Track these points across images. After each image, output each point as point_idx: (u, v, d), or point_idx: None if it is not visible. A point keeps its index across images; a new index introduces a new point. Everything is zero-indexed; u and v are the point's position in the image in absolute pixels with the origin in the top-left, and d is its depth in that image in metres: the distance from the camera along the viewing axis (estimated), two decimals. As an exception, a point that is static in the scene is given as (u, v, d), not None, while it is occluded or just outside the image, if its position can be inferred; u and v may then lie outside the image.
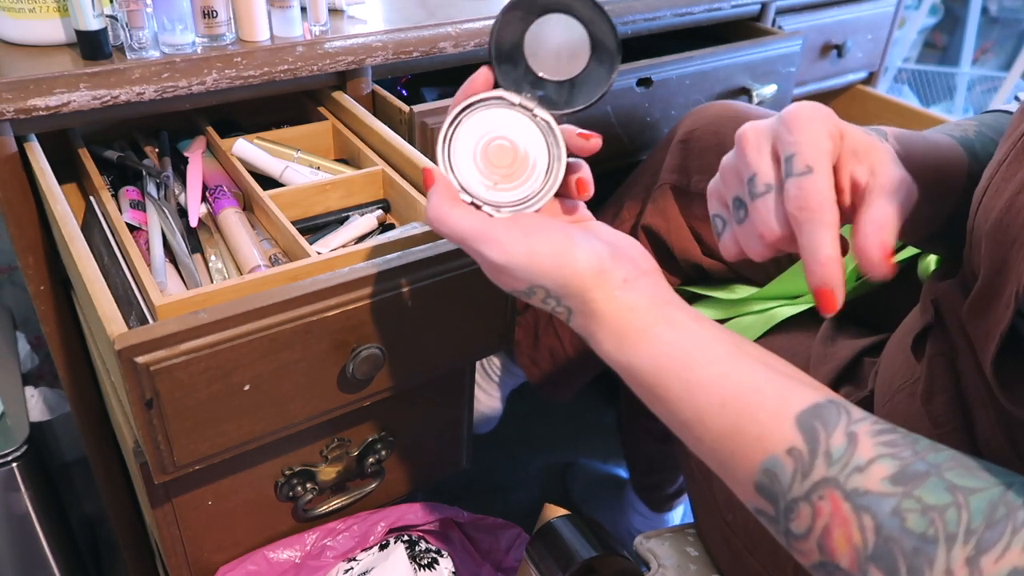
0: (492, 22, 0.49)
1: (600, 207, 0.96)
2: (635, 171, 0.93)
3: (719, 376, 0.40)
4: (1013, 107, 0.61)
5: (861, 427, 0.36)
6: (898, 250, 0.69)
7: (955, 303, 0.51)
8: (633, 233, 0.87)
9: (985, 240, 0.43)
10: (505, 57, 0.49)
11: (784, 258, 0.79)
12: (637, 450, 1.21)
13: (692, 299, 0.83)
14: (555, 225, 0.45)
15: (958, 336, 0.51)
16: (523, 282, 0.44)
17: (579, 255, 0.43)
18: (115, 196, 0.73)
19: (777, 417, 0.37)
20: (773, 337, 0.73)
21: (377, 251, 0.63)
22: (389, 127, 0.77)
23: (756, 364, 0.40)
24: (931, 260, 0.64)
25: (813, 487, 0.35)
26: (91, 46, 0.70)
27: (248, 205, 0.75)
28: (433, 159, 0.81)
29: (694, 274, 0.86)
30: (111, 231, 0.67)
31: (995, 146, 0.57)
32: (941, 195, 0.54)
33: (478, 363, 1.13)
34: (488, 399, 1.18)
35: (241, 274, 0.65)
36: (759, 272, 0.79)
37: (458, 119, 0.48)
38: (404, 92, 1.01)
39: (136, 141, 0.83)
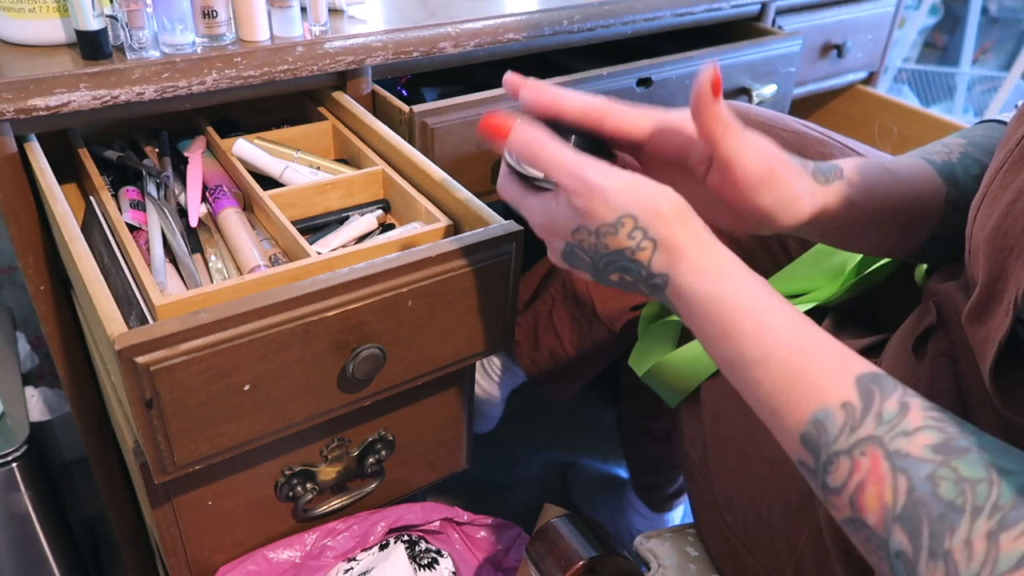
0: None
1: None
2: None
3: (792, 325, 0.41)
4: (1008, 116, 0.61)
5: (914, 400, 0.37)
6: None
7: (957, 305, 0.51)
8: None
9: (983, 247, 0.43)
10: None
11: (782, 257, 0.79)
12: (637, 450, 1.21)
13: None
14: (630, 172, 0.47)
15: (960, 337, 0.51)
16: (615, 210, 0.45)
17: (665, 193, 0.45)
18: (115, 196, 0.73)
19: (838, 373, 0.39)
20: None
21: (377, 251, 0.63)
22: (389, 127, 0.77)
23: (818, 328, 0.42)
24: (922, 271, 0.65)
25: (858, 442, 0.36)
26: (91, 46, 0.70)
27: (248, 205, 0.75)
28: (431, 157, 0.81)
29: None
30: (111, 231, 0.67)
31: (979, 168, 0.59)
32: (909, 225, 0.56)
33: (478, 363, 1.13)
34: (488, 399, 1.18)
35: (241, 274, 0.65)
36: (757, 271, 0.79)
37: None
38: (404, 92, 1.01)
39: (136, 141, 0.83)
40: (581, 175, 0.45)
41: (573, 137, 0.50)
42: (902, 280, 0.68)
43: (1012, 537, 0.32)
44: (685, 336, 0.79)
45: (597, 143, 0.51)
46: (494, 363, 1.15)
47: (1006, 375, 0.44)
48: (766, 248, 0.80)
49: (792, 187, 0.51)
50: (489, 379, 1.17)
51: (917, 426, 0.36)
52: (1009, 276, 0.41)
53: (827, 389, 0.38)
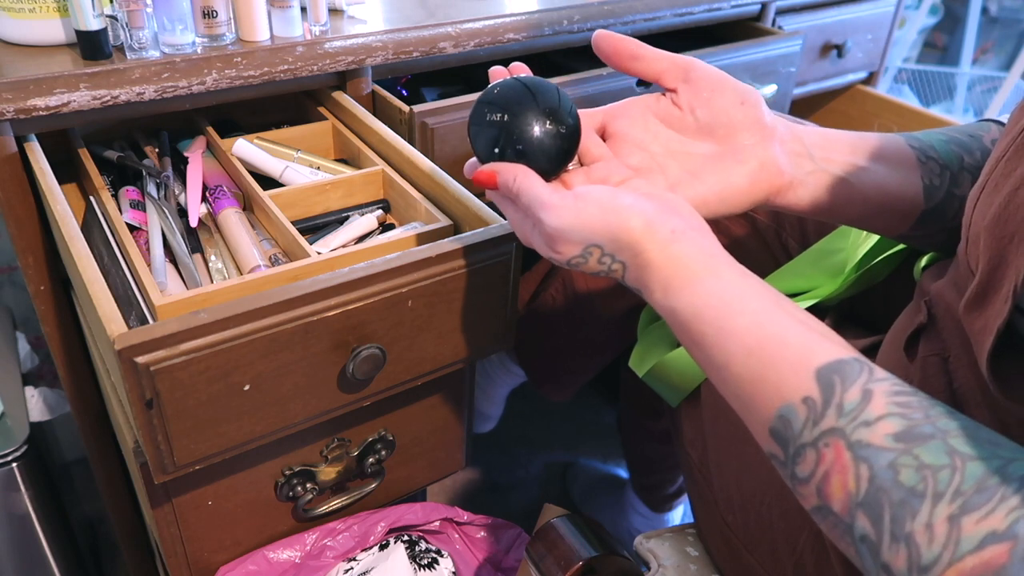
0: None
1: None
2: None
3: (750, 326, 0.42)
4: (1007, 118, 0.61)
5: (879, 386, 0.38)
6: (895, 246, 0.70)
7: (949, 303, 0.52)
8: None
9: (984, 235, 0.44)
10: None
11: (782, 256, 0.79)
12: (637, 450, 1.21)
13: None
14: (600, 188, 0.49)
15: (951, 336, 0.51)
16: (579, 244, 0.47)
17: (626, 212, 0.46)
18: (115, 196, 0.73)
19: (797, 368, 0.40)
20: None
21: (377, 251, 0.63)
22: (389, 127, 0.77)
23: (789, 319, 0.42)
24: (920, 265, 0.65)
25: (821, 435, 0.38)
26: (91, 46, 0.70)
27: (248, 205, 0.75)
28: (431, 157, 0.81)
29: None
30: (111, 231, 0.67)
31: (959, 148, 0.60)
32: (891, 212, 0.57)
33: (478, 363, 1.13)
34: (488, 399, 1.18)
35: (241, 274, 0.65)
36: (757, 270, 0.79)
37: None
38: (404, 92, 1.01)
39: (136, 141, 0.83)
40: (540, 218, 0.48)
41: (540, 127, 0.51)
42: (902, 279, 0.68)
43: (974, 520, 0.32)
44: None
45: (565, 131, 0.51)
46: (494, 363, 1.15)
47: (1003, 365, 0.44)
48: (766, 247, 0.80)
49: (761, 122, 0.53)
50: (489, 379, 1.17)
51: (879, 415, 0.37)
52: (1009, 264, 0.41)
53: (787, 386, 0.40)
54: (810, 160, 0.54)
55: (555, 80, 0.86)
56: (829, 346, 0.40)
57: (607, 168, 0.54)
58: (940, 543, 0.33)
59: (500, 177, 0.51)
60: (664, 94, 0.55)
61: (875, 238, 0.69)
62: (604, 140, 0.56)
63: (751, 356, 0.41)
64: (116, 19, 0.72)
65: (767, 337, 0.41)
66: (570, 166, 0.53)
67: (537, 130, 0.50)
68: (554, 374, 1.02)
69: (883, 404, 0.37)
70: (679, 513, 1.26)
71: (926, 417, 0.36)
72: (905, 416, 0.36)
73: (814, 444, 0.38)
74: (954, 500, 0.33)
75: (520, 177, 0.50)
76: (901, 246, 0.69)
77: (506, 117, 0.51)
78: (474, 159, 0.55)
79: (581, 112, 0.54)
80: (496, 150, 0.51)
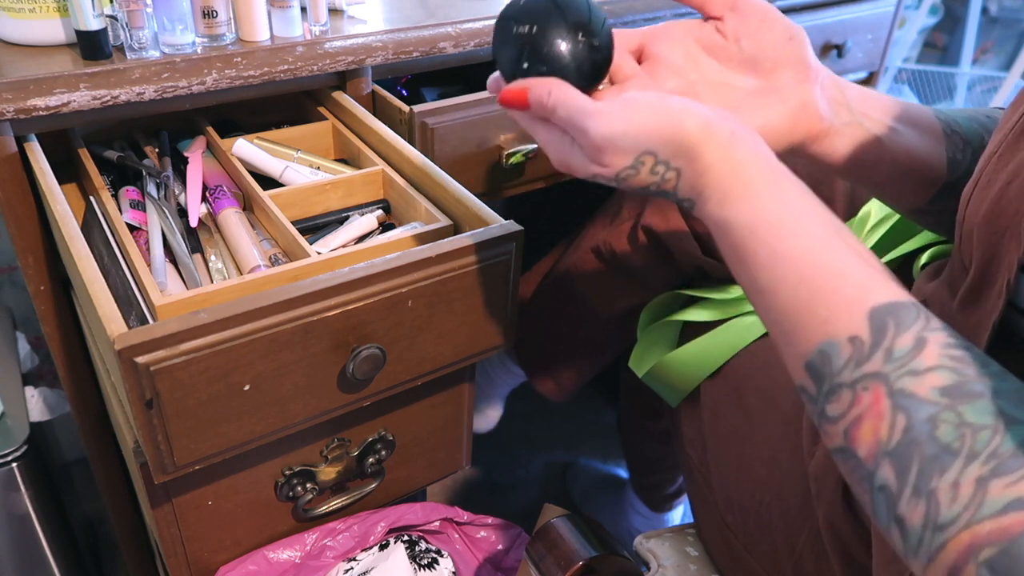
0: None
1: (600, 207, 0.96)
2: None
3: (805, 251, 0.39)
4: None
5: (935, 335, 0.36)
6: (894, 248, 0.70)
7: (943, 303, 0.52)
8: (633, 233, 0.87)
9: (977, 231, 0.44)
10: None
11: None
12: (637, 450, 1.21)
13: (688, 302, 0.83)
14: (648, 93, 0.45)
15: None
16: (630, 152, 0.43)
17: (682, 113, 0.43)
18: (115, 196, 0.73)
19: (851, 305, 0.37)
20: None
21: (377, 251, 0.63)
22: (389, 127, 0.77)
23: (848, 250, 0.39)
24: (919, 264, 0.65)
25: (862, 377, 0.36)
26: (91, 46, 0.70)
27: (248, 205, 0.75)
28: (431, 157, 0.81)
29: (694, 274, 0.86)
30: (111, 231, 0.67)
31: (980, 126, 0.59)
32: (917, 187, 0.56)
33: (478, 363, 1.13)
34: (488, 399, 1.18)
35: (241, 274, 0.65)
36: None
37: None
38: (404, 92, 1.01)
39: (136, 141, 0.83)
40: (586, 127, 0.43)
41: (571, 39, 0.47)
42: (902, 280, 0.68)
43: (1003, 484, 0.31)
44: (684, 336, 0.79)
45: (592, 47, 0.48)
46: (493, 363, 1.15)
47: (999, 362, 0.44)
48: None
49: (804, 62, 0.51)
50: (489, 379, 1.17)
51: (930, 365, 0.35)
52: (1002, 259, 0.42)
53: (835, 322, 0.37)
54: (848, 111, 0.52)
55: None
56: (888, 286, 0.38)
57: (641, 85, 0.51)
58: (962, 503, 0.32)
59: (532, 93, 0.46)
60: (707, 20, 0.52)
61: (875, 238, 0.69)
62: (640, 63, 0.53)
63: (802, 284, 0.39)
64: (116, 19, 0.72)
65: (823, 266, 0.39)
66: (601, 85, 0.50)
67: (568, 43, 0.46)
68: (554, 374, 1.02)
69: (936, 355, 0.35)
70: (679, 513, 1.26)
71: (978, 375, 0.34)
72: (957, 371, 0.35)
73: (852, 385, 0.36)
74: (988, 462, 0.32)
75: (556, 90, 0.45)
76: (902, 249, 0.69)
77: (534, 29, 0.47)
78: (497, 75, 0.50)
79: (617, 32, 0.51)
80: (525, 66, 0.47)
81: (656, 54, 0.52)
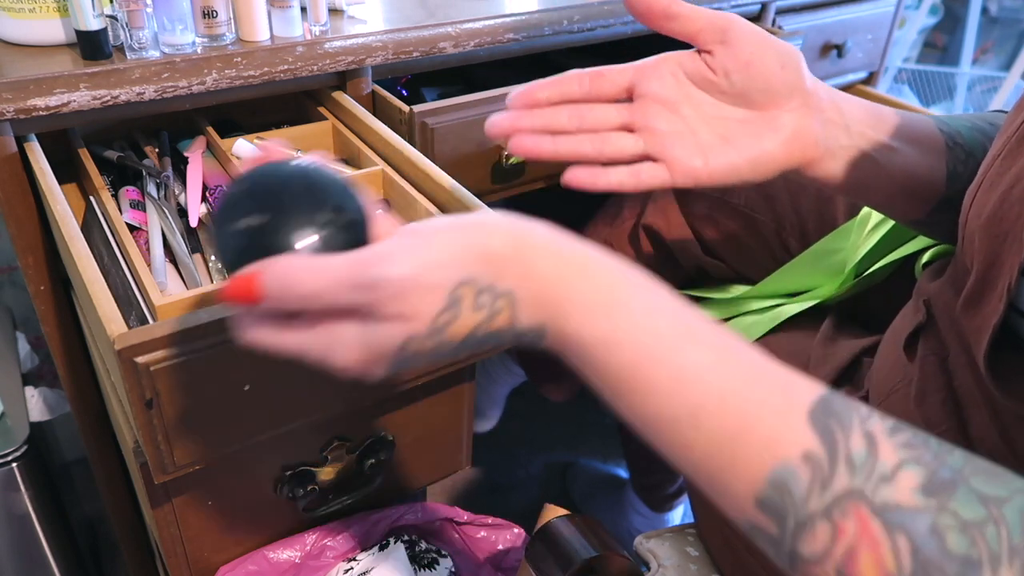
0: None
1: (601, 207, 0.96)
2: None
3: (716, 362, 0.33)
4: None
5: (875, 426, 0.31)
6: (895, 248, 0.70)
7: (947, 302, 0.52)
8: (634, 232, 0.88)
9: (979, 234, 0.44)
10: None
11: (782, 254, 0.79)
12: (637, 450, 1.21)
13: (692, 302, 0.83)
14: (430, 220, 0.37)
15: (950, 335, 0.51)
16: (441, 288, 0.34)
17: (480, 227, 0.35)
18: (115, 196, 0.73)
19: (787, 413, 0.32)
20: (773, 337, 0.73)
21: (377, 251, 0.62)
22: (389, 127, 0.77)
23: (751, 351, 0.34)
24: (920, 264, 0.65)
25: (835, 501, 0.30)
26: (91, 46, 0.70)
27: (248, 205, 0.74)
28: (431, 157, 0.81)
29: (694, 274, 0.86)
30: (111, 231, 0.67)
31: (983, 136, 0.58)
32: (914, 192, 0.55)
33: (478, 362, 1.13)
34: (488, 398, 1.18)
35: (241, 274, 0.65)
36: (758, 270, 0.79)
37: None
38: (404, 92, 1.01)
39: (136, 141, 0.83)
40: (376, 276, 0.33)
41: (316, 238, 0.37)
42: (903, 279, 0.68)
43: None
44: None
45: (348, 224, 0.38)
46: (494, 363, 1.15)
47: (1001, 364, 0.44)
48: (766, 246, 0.80)
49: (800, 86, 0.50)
50: (489, 378, 1.17)
51: (894, 464, 0.30)
52: (1003, 262, 0.42)
53: (780, 440, 0.31)
54: (846, 133, 0.52)
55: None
56: (802, 380, 0.33)
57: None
58: None
59: (269, 275, 0.35)
60: (699, 53, 0.51)
61: (875, 239, 0.69)
62: (632, 100, 0.52)
63: (727, 401, 0.32)
64: (116, 19, 0.72)
65: (742, 374, 0.33)
66: None
67: (312, 230, 0.37)
68: (554, 374, 1.02)
69: (891, 450, 0.31)
70: (679, 513, 1.26)
71: (935, 458, 0.31)
72: (918, 461, 0.30)
73: (826, 514, 0.30)
74: (1012, 560, 0.28)
75: (304, 265, 0.35)
76: (903, 250, 0.69)
77: (267, 222, 0.37)
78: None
79: (606, 69, 0.50)
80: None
81: (647, 92, 0.51)
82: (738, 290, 0.78)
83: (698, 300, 0.83)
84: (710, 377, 0.33)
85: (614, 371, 0.35)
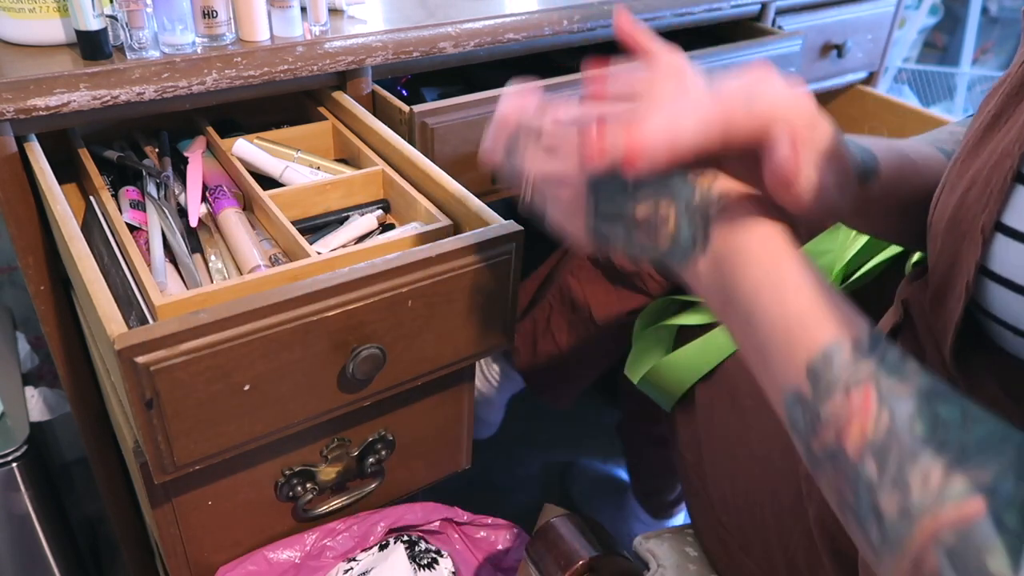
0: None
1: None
2: None
3: (806, 263, 0.42)
4: None
5: (912, 360, 0.39)
6: (883, 250, 0.70)
7: (921, 303, 0.52)
8: None
9: (942, 235, 0.45)
10: None
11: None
12: (638, 456, 1.21)
13: (682, 307, 0.83)
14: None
15: (924, 335, 0.52)
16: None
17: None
18: (115, 196, 0.73)
19: (854, 317, 0.40)
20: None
21: (377, 251, 0.63)
22: (389, 127, 0.77)
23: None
24: (916, 258, 0.65)
25: (856, 377, 0.37)
26: (91, 46, 0.70)
27: (248, 205, 0.75)
28: (431, 157, 0.81)
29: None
30: (111, 231, 0.67)
31: None
32: (924, 214, 0.54)
33: (478, 369, 1.13)
34: (488, 405, 1.18)
35: (241, 274, 0.65)
36: None
37: None
38: (404, 92, 1.01)
39: (136, 141, 0.83)
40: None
41: None
42: (894, 279, 0.68)
43: (966, 472, 0.33)
44: (679, 341, 0.79)
45: None
46: (494, 369, 1.15)
47: (968, 361, 0.45)
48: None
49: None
50: (489, 385, 1.17)
51: (914, 370, 0.37)
52: (962, 261, 0.43)
53: (844, 326, 0.39)
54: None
55: (555, 80, 0.86)
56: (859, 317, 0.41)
57: None
58: (931, 492, 0.33)
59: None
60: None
61: (863, 240, 0.69)
62: None
63: (822, 289, 0.41)
64: (116, 19, 0.72)
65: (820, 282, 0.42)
66: None
67: None
68: (552, 381, 1.02)
69: (917, 369, 0.38)
70: (679, 520, 1.26)
71: (949, 387, 0.37)
72: (934, 379, 0.37)
73: (846, 385, 0.37)
74: (956, 453, 0.33)
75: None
76: (890, 251, 0.70)
77: None
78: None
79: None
80: None
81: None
82: None
83: (691, 305, 0.83)
84: (805, 271, 0.41)
85: (740, 245, 0.42)
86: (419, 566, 0.71)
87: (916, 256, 0.65)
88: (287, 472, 0.67)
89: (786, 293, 0.41)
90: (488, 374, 1.15)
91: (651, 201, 0.44)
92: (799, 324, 0.40)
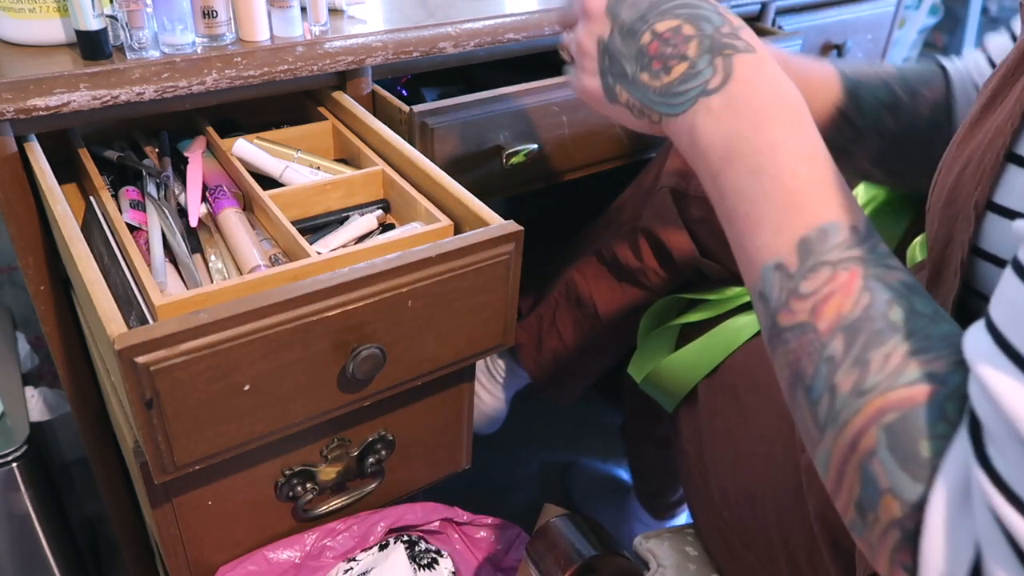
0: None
1: (594, 213, 0.97)
2: (638, 175, 0.93)
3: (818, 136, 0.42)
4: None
5: (896, 259, 0.40)
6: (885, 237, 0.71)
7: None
8: (632, 237, 0.88)
9: (938, 216, 0.45)
10: None
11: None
12: (641, 456, 1.21)
13: (688, 305, 0.83)
14: None
15: None
16: None
17: None
18: (115, 196, 0.73)
19: (855, 206, 0.41)
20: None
21: (377, 251, 0.62)
22: (389, 127, 0.77)
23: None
24: (916, 249, 0.65)
25: (847, 258, 0.38)
26: (91, 46, 0.70)
27: (248, 205, 0.75)
28: (431, 157, 0.81)
29: (693, 276, 0.86)
30: (111, 231, 0.67)
31: (891, 97, 0.64)
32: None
33: (482, 365, 1.13)
34: (493, 400, 1.18)
35: (241, 274, 0.65)
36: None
37: None
38: (404, 92, 1.01)
39: (136, 141, 0.83)
40: None
41: None
42: None
43: (923, 360, 0.34)
44: (682, 340, 0.79)
45: None
46: (499, 364, 1.15)
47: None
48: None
49: None
50: (494, 381, 1.17)
51: (898, 266, 0.38)
52: (956, 240, 0.43)
53: (848, 211, 0.40)
54: None
55: (555, 80, 0.86)
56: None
57: None
58: (886, 373, 0.34)
59: None
60: None
61: None
62: None
63: (834, 171, 0.41)
64: (116, 19, 0.72)
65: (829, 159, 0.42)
66: None
67: None
68: (557, 377, 1.03)
69: (901, 265, 0.39)
70: (680, 521, 1.26)
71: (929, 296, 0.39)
72: (913, 277, 0.39)
73: (835, 264, 0.38)
74: (921, 342, 0.35)
75: None
76: (891, 238, 0.70)
77: None
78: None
79: None
80: None
81: None
82: (733, 291, 0.79)
83: (695, 304, 0.83)
84: (819, 143, 0.42)
85: (754, 106, 0.43)
86: (419, 566, 0.71)
87: (917, 241, 0.65)
88: (287, 472, 0.67)
89: (800, 159, 0.41)
90: (493, 370, 1.15)
91: (676, 19, 0.45)
92: (805, 194, 0.40)
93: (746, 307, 0.77)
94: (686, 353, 0.76)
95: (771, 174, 0.41)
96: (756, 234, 0.41)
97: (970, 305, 0.45)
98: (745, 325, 0.74)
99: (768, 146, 0.42)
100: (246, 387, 0.54)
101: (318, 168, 0.79)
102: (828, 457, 0.36)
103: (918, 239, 0.65)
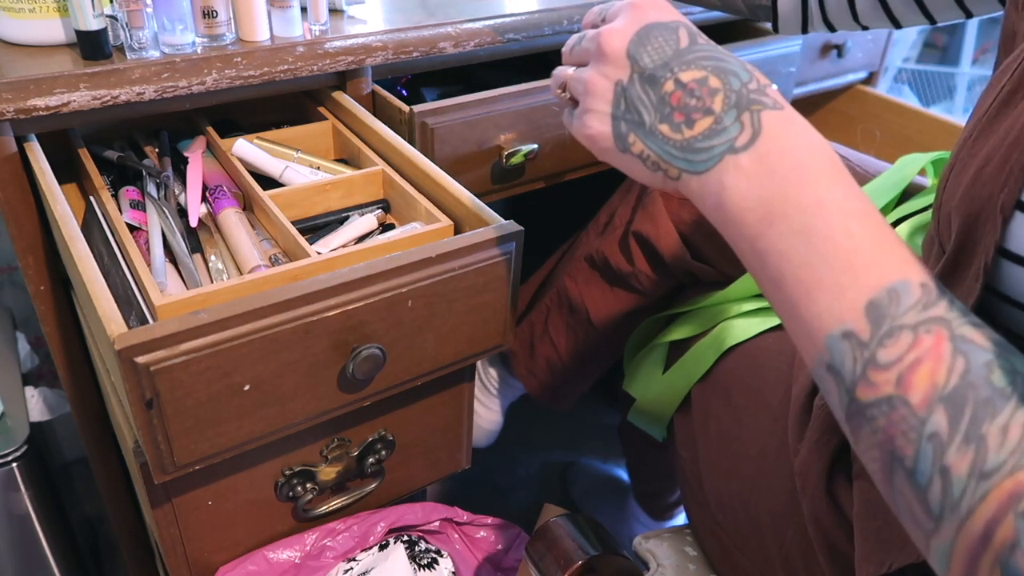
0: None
1: (594, 213, 0.97)
2: (627, 178, 0.93)
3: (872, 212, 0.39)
4: None
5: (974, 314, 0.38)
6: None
7: None
8: (624, 240, 0.88)
9: (953, 215, 0.44)
10: None
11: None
12: (639, 457, 1.21)
13: (673, 318, 0.84)
14: None
15: None
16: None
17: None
18: (115, 196, 0.73)
19: (920, 264, 0.38)
20: (763, 337, 0.73)
21: (377, 251, 0.63)
22: (389, 127, 0.77)
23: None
24: (915, 247, 0.65)
25: (927, 320, 0.34)
26: (91, 46, 0.70)
27: (248, 205, 0.75)
28: (431, 157, 0.81)
29: (685, 279, 0.86)
30: (111, 231, 0.67)
31: None
32: None
33: (477, 377, 1.13)
34: (488, 413, 1.18)
35: (241, 274, 0.65)
36: (736, 262, 0.79)
37: None
38: (404, 92, 1.01)
39: (136, 141, 0.83)
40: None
41: None
42: None
43: None
44: (672, 357, 0.80)
45: None
46: (492, 376, 1.15)
47: None
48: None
49: None
50: (488, 393, 1.17)
51: (982, 322, 0.35)
52: (978, 241, 0.42)
53: (912, 267, 0.36)
54: None
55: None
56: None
57: None
58: (1010, 448, 0.30)
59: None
60: None
61: None
62: None
63: (887, 227, 0.38)
64: (116, 19, 0.72)
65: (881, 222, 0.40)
66: None
67: None
68: (551, 384, 1.02)
69: (980, 319, 0.36)
70: (680, 521, 1.26)
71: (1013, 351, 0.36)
72: (996, 332, 0.35)
73: (915, 328, 0.34)
74: None
75: None
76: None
77: None
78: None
79: None
80: None
81: None
82: (718, 297, 0.79)
83: (683, 315, 0.83)
84: (868, 203, 0.39)
85: (795, 166, 0.40)
86: (419, 566, 0.72)
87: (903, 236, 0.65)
88: (287, 472, 0.67)
89: (851, 216, 0.38)
90: (487, 381, 1.15)
91: (702, 70, 0.43)
92: (863, 253, 0.37)
93: (744, 310, 0.77)
94: (672, 376, 0.77)
95: (823, 235, 0.38)
96: (813, 300, 0.37)
97: (995, 309, 0.43)
98: (741, 327, 0.74)
99: (813, 204, 0.38)
100: (246, 387, 0.54)
101: (318, 168, 0.79)
102: (950, 551, 0.32)
103: (900, 230, 0.65)
